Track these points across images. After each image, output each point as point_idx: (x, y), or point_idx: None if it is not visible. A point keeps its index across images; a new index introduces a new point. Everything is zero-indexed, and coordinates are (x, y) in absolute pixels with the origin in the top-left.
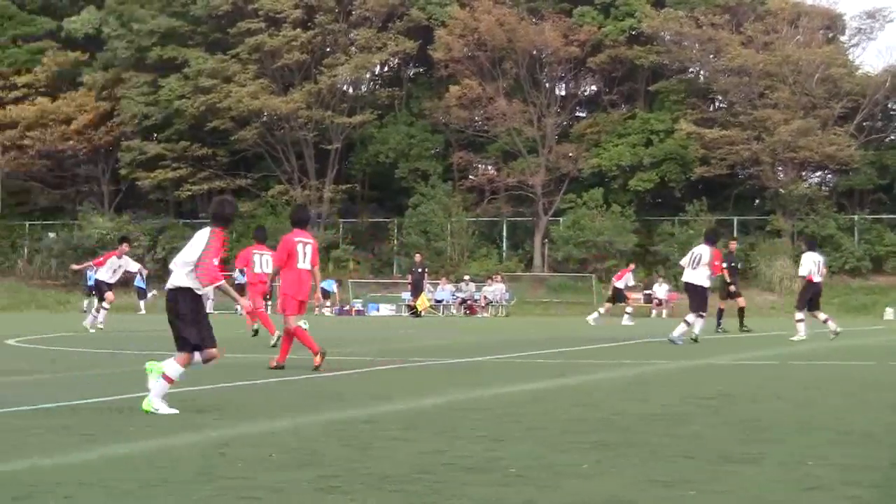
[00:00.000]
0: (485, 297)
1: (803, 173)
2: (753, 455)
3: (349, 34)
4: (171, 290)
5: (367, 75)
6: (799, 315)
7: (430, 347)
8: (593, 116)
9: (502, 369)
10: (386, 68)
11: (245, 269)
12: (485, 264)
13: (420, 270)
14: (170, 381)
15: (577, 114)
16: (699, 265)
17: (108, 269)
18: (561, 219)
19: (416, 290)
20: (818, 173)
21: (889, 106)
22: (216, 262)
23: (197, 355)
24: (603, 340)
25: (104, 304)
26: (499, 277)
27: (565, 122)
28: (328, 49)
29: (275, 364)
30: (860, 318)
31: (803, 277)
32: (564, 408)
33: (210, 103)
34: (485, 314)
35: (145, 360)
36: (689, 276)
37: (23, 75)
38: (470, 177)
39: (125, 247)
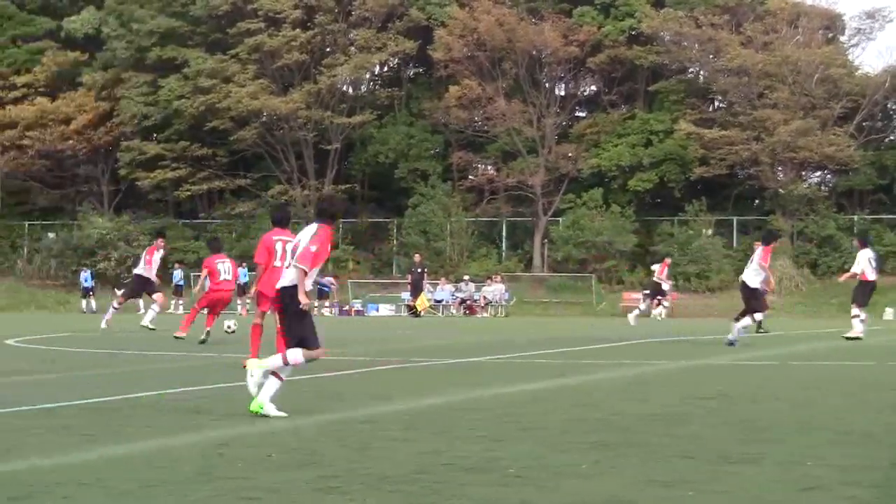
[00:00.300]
0: (484, 298)
1: (803, 173)
2: (752, 455)
3: (349, 34)
4: (283, 287)
5: (367, 75)
6: (856, 311)
7: (429, 348)
8: (593, 116)
9: (502, 369)
10: (385, 68)
11: (210, 276)
12: (484, 264)
13: (419, 270)
14: (281, 380)
15: (577, 114)
16: (752, 263)
17: (155, 266)
18: (560, 219)
19: (416, 291)
20: (818, 173)
21: (889, 106)
22: (313, 248)
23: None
24: (603, 341)
25: (154, 307)
26: (498, 277)
27: (565, 123)
28: (328, 49)
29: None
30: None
31: (855, 275)
32: (564, 408)
33: (209, 103)
34: (484, 314)
35: (145, 361)
36: (744, 275)
37: (22, 75)
38: (469, 177)
39: (161, 241)
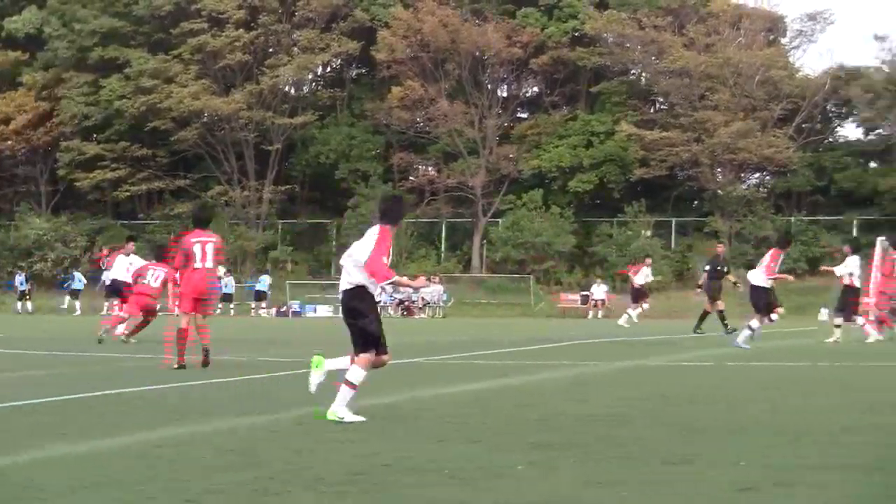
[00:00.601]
0: (422, 299)
1: (742, 175)
2: (689, 456)
3: (292, 35)
4: (348, 289)
5: (310, 76)
6: (860, 320)
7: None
8: (535, 118)
9: (443, 370)
10: (328, 69)
11: (139, 278)
12: (423, 265)
13: None
14: (354, 387)
15: (519, 115)
16: (761, 265)
17: (119, 269)
18: (500, 220)
19: None
20: (756, 175)
21: (828, 108)
22: (385, 259)
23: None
24: (543, 341)
25: (122, 314)
26: (437, 279)
27: (506, 124)
28: (271, 50)
29: (177, 364)
30: (796, 319)
31: (840, 278)
32: (505, 408)
33: (151, 104)
34: (422, 315)
35: (80, 361)
36: (750, 276)
37: None
38: (410, 178)
39: (131, 245)
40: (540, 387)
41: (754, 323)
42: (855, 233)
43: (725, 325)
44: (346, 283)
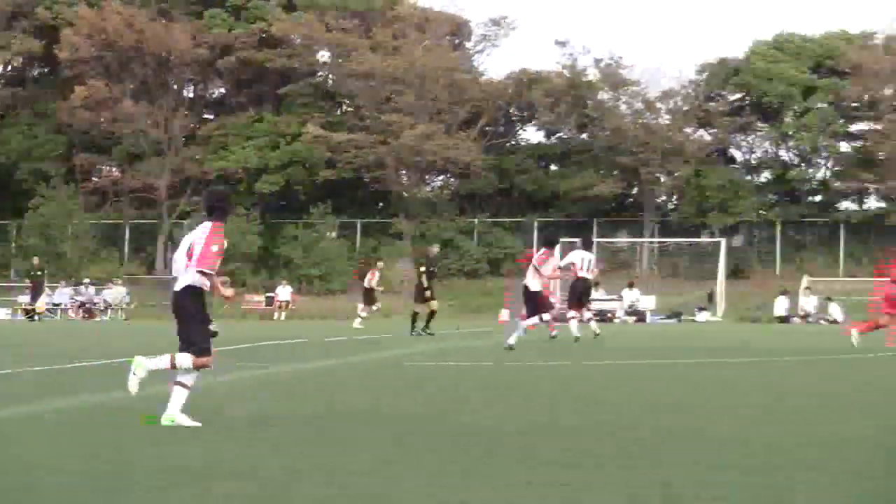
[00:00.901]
0: (104, 301)
1: (427, 177)
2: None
3: None
4: (176, 290)
5: None
6: (571, 312)
7: (48, 354)
8: (221, 119)
9: (112, 373)
10: (9, 68)
11: None
12: (105, 267)
13: (39, 273)
14: (187, 388)
15: (205, 116)
16: (531, 267)
17: None
18: (185, 221)
19: (36, 294)
20: (441, 177)
21: (511, 112)
22: (214, 248)
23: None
24: (221, 343)
25: None
26: (119, 281)
27: (192, 125)
28: None
29: None
30: (478, 319)
31: (563, 270)
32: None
33: None
34: (104, 318)
35: None
36: (527, 279)
37: None
38: (93, 179)
39: None
40: (217, 390)
41: (525, 322)
42: (535, 234)
43: (413, 327)
44: (177, 283)
